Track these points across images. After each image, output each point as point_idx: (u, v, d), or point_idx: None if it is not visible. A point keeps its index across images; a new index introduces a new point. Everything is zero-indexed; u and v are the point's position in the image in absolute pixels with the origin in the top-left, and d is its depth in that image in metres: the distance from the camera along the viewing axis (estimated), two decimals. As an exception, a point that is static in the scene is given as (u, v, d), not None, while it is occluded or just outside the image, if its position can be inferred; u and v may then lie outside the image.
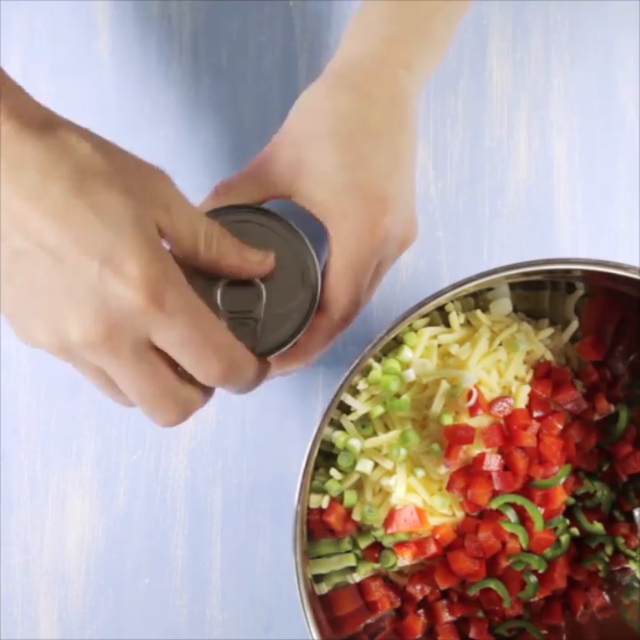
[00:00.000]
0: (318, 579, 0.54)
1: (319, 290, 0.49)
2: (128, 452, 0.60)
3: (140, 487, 0.60)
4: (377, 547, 0.56)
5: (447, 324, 0.56)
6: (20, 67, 0.61)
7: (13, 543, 0.59)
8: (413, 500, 0.54)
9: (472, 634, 0.55)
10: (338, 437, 0.55)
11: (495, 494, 0.54)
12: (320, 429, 0.47)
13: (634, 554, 0.56)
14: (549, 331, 0.57)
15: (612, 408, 0.57)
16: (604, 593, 0.57)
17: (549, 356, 0.57)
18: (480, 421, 0.54)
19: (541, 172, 0.61)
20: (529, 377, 0.56)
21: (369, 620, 0.55)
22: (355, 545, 0.56)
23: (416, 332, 0.55)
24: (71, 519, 0.59)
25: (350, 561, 0.55)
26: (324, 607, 0.53)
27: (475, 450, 0.54)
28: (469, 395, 0.54)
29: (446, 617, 0.55)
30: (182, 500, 0.59)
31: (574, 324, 0.58)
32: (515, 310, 0.58)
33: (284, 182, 0.50)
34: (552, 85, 0.62)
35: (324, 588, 0.55)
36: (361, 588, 0.56)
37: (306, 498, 0.50)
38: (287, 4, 0.61)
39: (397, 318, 0.48)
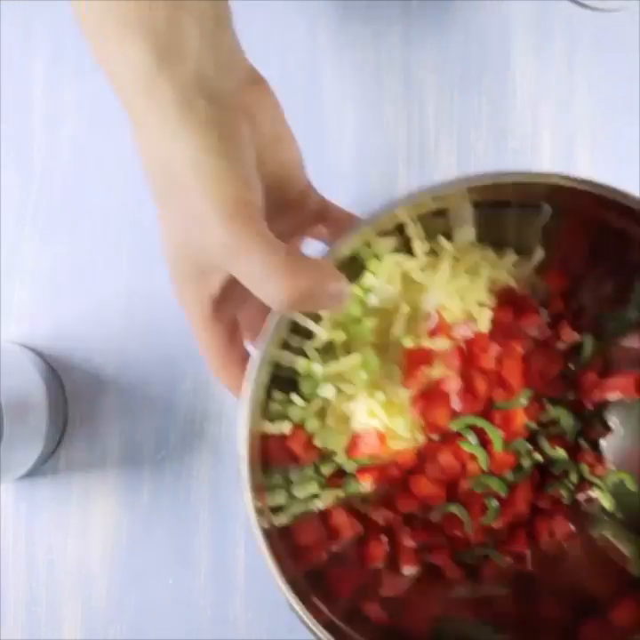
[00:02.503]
0: (277, 510, 0.54)
1: None
2: (152, 452, 0.60)
3: (164, 486, 0.59)
4: (340, 475, 0.56)
5: (410, 253, 0.56)
6: (43, 69, 0.61)
7: (37, 543, 0.59)
8: (375, 423, 0.54)
9: (435, 560, 0.55)
10: (300, 363, 0.54)
11: (455, 416, 0.53)
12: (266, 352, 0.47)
13: (598, 481, 0.56)
14: (514, 257, 0.57)
15: (577, 336, 0.56)
16: (569, 522, 0.56)
17: (514, 285, 0.57)
18: (440, 344, 0.54)
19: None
20: (492, 304, 0.56)
21: (332, 549, 0.55)
22: (318, 472, 0.56)
23: (379, 257, 0.55)
24: (95, 518, 0.59)
25: (313, 488, 0.55)
26: (285, 539, 0.52)
27: (435, 372, 0.54)
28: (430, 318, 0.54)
29: (409, 542, 0.55)
30: (206, 500, 0.59)
31: (540, 253, 0.57)
32: (479, 241, 0.57)
33: None
34: (576, 85, 0.61)
35: (283, 520, 0.54)
36: (324, 516, 0.56)
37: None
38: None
39: (351, 229, 0.47)
